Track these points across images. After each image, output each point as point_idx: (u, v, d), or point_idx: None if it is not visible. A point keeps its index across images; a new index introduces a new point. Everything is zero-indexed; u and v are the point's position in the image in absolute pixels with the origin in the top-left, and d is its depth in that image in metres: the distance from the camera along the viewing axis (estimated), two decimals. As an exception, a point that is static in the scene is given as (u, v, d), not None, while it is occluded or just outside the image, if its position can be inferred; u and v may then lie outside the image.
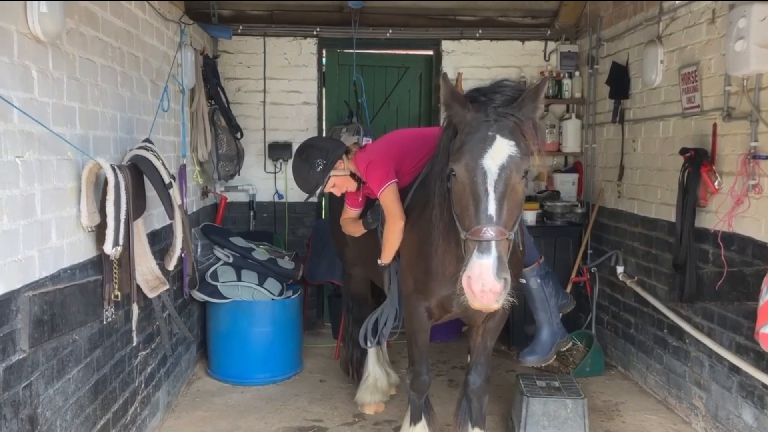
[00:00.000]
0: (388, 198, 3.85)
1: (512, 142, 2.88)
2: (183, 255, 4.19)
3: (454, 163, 2.93)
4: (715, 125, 4.35)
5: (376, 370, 4.98)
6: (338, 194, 4.25)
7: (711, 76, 4.42)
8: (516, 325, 6.22)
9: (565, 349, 4.36)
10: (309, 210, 6.99)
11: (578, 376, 5.37)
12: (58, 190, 3.01)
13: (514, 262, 3.46)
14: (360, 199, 4.32)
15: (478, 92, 3.07)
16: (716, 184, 4.26)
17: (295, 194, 6.93)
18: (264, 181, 6.91)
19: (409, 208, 3.87)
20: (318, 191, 4.13)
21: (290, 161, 6.79)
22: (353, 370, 5.24)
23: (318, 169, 4.05)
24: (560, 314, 4.28)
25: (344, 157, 4.11)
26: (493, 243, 2.76)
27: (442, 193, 3.26)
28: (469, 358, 4.09)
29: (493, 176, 2.84)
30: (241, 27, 6.61)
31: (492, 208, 2.81)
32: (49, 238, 2.93)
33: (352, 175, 4.13)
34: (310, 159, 4.09)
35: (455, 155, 2.94)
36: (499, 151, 2.86)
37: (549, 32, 6.82)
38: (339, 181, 4.14)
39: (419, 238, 3.71)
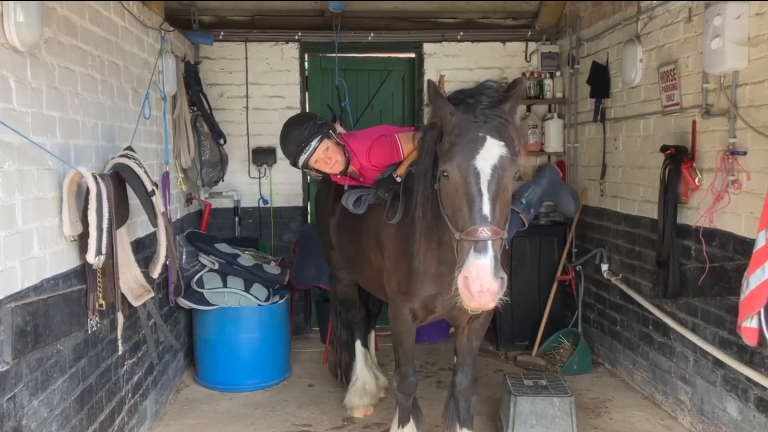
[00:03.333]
0: (408, 144, 3.94)
1: (502, 143, 2.92)
2: (168, 262, 4.18)
3: (446, 163, 2.95)
4: (694, 122, 4.40)
5: (364, 374, 4.99)
6: (325, 168, 4.07)
7: (689, 74, 4.47)
8: (503, 325, 6.25)
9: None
10: (295, 215, 6.98)
11: (565, 374, 5.40)
12: (39, 200, 3.00)
13: (504, 262, 3.49)
14: (362, 179, 4.23)
15: (463, 94, 3.11)
16: (697, 180, 4.31)
17: (280, 199, 6.94)
18: (248, 187, 6.89)
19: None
20: (306, 155, 3.95)
21: (275, 166, 6.82)
22: (341, 373, 5.24)
23: (307, 130, 3.96)
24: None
25: (333, 133, 4.06)
26: (490, 242, 2.79)
27: (425, 194, 3.29)
28: (455, 359, 4.11)
29: (486, 176, 2.88)
30: (222, 33, 6.60)
31: (486, 208, 2.84)
32: (30, 249, 2.90)
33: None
34: (301, 120, 4.07)
35: (446, 156, 2.96)
36: (491, 152, 2.90)
37: (530, 33, 6.86)
38: (332, 150, 4.00)
39: (402, 238, 3.72)
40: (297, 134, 3.99)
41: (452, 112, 3.01)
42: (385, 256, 3.95)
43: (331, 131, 4.04)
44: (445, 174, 2.97)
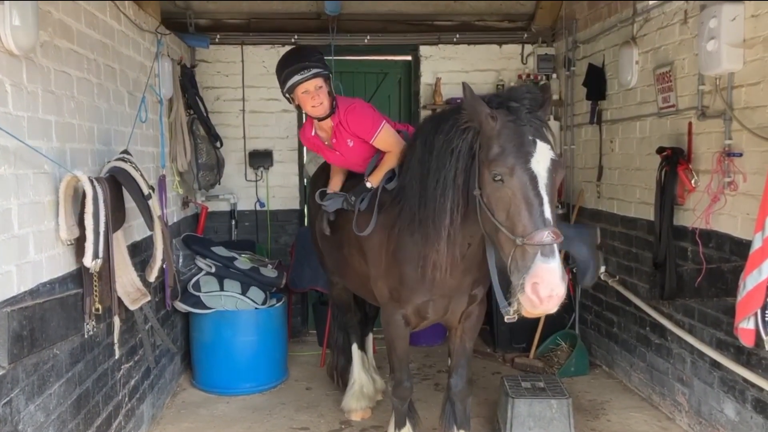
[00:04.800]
0: (389, 136, 3.92)
1: (549, 146, 2.93)
2: (164, 266, 4.17)
3: (499, 167, 2.88)
4: (690, 124, 4.41)
5: (361, 377, 4.98)
6: (308, 105, 3.91)
7: (685, 76, 4.48)
8: (501, 327, 6.25)
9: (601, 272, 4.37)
10: (291, 218, 6.97)
11: (563, 376, 5.40)
12: (35, 204, 2.99)
13: None
14: (337, 154, 4.17)
15: (500, 98, 3.08)
16: (693, 182, 4.32)
17: (277, 202, 6.94)
18: (245, 190, 6.89)
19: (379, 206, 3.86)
20: (302, 76, 3.82)
21: (271, 169, 6.82)
22: (338, 376, 5.23)
23: (315, 58, 3.92)
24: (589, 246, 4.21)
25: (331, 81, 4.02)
26: (555, 246, 2.77)
27: (456, 200, 3.20)
28: (449, 362, 4.11)
29: (543, 180, 2.86)
30: (218, 36, 6.59)
31: (548, 211, 2.82)
32: (27, 253, 2.90)
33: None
34: (313, 49, 4.10)
35: (499, 160, 2.89)
36: (544, 155, 2.89)
37: (526, 35, 6.86)
38: (323, 91, 3.89)
39: (394, 246, 3.70)
40: (303, 56, 3.94)
41: (493, 115, 2.96)
42: (370, 263, 3.94)
43: (331, 77, 4.00)
44: (498, 179, 2.89)
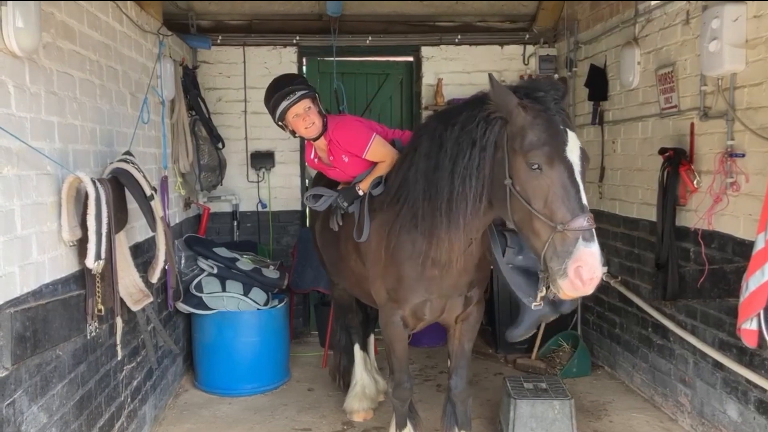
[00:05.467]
0: (381, 149, 3.98)
1: (576, 135, 3.00)
2: (166, 267, 4.17)
3: (537, 157, 2.91)
4: (692, 125, 4.41)
5: (363, 378, 4.98)
6: (301, 127, 4.01)
7: (687, 77, 4.48)
8: (502, 328, 6.24)
9: (549, 321, 4.22)
10: (293, 218, 6.98)
11: (565, 377, 5.40)
12: (38, 205, 2.99)
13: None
14: (337, 170, 4.22)
15: (526, 88, 3.10)
16: (695, 182, 4.31)
17: (279, 203, 6.94)
18: (247, 191, 6.89)
19: (371, 212, 3.89)
20: (289, 101, 3.93)
21: (273, 170, 6.82)
22: (340, 377, 5.23)
23: (296, 81, 4.05)
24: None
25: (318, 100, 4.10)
26: (593, 230, 2.84)
27: (478, 189, 3.18)
28: (449, 363, 4.11)
29: (578, 167, 2.93)
30: (220, 37, 6.60)
31: (584, 197, 2.89)
32: (30, 254, 2.90)
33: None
34: (292, 75, 4.25)
35: (536, 149, 2.91)
36: (575, 144, 2.97)
37: (527, 36, 6.87)
38: (313, 111, 3.99)
39: (392, 243, 3.69)
40: (286, 82, 4.04)
41: (524, 105, 2.99)
42: (367, 264, 3.95)
43: (318, 97, 4.08)
44: (535, 167, 2.92)
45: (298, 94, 3.95)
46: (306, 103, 3.98)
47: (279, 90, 4.00)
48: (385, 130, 4.33)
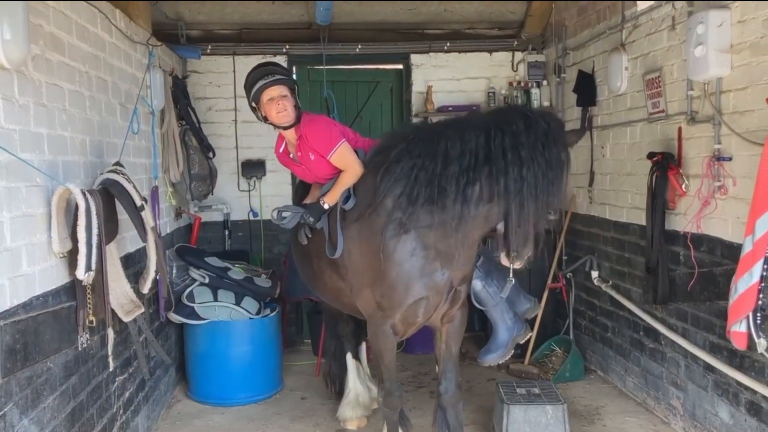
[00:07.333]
0: (346, 155, 3.98)
1: None
2: (158, 277, 4.16)
3: None
4: (680, 129, 4.44)
5: (356, 386, 4.97)
6: (273, 112, 4.00)
7: (674, 82, 4.52)
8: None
9: (523, 341, 4.40)
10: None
11: (558, 382, 5.42)
12: (27, 217, 2.98)
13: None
14: (302, 167, 4.23)
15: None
16: (684, 186, 4.35)
17: (270, 212, 6.91)
18: (238, 200, 6.89)
19: (349, 221, 3.88)
20: (265, 82, 3.95)
21: (264, 179, 6.82)
22: (332, 385, 5.22)
23: (277, 68, 4.10)
24: (520, 313, 4.32)
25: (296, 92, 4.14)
26: None
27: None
28: (437, 369, 4.12)
29: None
30: (210, 46, 6.62)
31: None
32: (19, 266, 2.89)
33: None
34: (270, 63, 4.29)
35: None
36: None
37: (516, 43, 6.91)
38: (288, 99, 4.00)
39: (391, 246, 3.68)
40: (267, 66, 4.11)
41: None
42: (350, 276, 3.93)
43: (297, 89, 4.13)
44: None
45: (276, 76, 3.99)
46: (282, 89, 3.99)
47: (259, 72, 4.03)
48: (356, 138, 4.30)
